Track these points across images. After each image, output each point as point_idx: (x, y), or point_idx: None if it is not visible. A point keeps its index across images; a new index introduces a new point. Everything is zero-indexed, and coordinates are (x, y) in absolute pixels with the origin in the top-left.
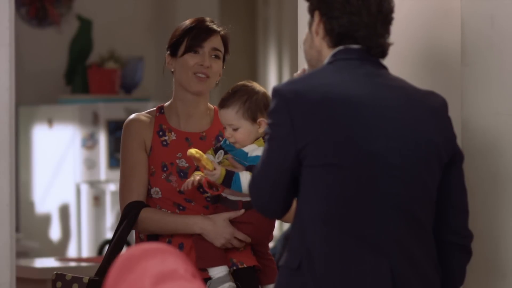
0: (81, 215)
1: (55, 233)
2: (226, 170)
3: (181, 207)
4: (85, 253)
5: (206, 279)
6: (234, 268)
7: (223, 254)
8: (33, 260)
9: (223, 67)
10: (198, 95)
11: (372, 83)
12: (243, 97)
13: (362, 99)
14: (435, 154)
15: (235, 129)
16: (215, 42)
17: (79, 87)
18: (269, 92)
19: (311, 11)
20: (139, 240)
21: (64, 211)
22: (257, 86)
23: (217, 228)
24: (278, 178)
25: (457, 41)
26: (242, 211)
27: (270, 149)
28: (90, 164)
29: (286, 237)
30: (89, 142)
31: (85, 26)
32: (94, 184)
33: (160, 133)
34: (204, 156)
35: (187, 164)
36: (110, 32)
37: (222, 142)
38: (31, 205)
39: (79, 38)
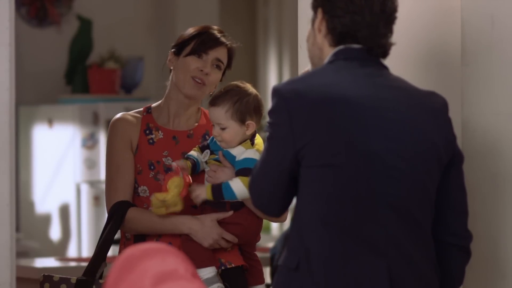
0: (81, 215)
1: (55, 233)
2: (212, 185)
3: None
4: (85, 253)
5: None
6: (223, 268)
7: (211, 255)
8: (33, 260)
9: (221, 80)
10: (190, 98)
11: (372, 84)
12: (234, 98)
13: (361, 100)
14: (434, 155)
15: (223, 129)
16: (220, 53)
17: (79, 87)
18: (268, 92)
19: (315, 8)
20: (124, 239)
21: (64, 211)
22: (249, 87)
23: (205, 228)
24: (277, 178)
25: (457, 40)
26: (231, 212)
27: (269, 148)
28: (90, 164)
29: (286, 236)
30: (89, 142)
31: (85, 26)
32: (94, 184)
33: (147, 131)
34: (169, 196)
35: (174, 163)
36: (110, 32)
37: (209, 141)
38: (31, 205)
39: (79, 38)
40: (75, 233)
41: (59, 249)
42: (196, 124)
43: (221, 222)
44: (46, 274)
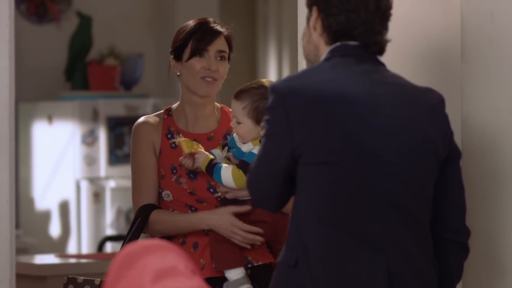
0: (81, 211)
1: (55, 229)
2: (211, 159)
3: (193, 208)
4: (85, 250)
5: (221, 278)
6: (250, 266)
7: (240, 256)
8: (33, 256)
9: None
10: (206, 97)
11: (369, 80)
12: (255, 97)
13: (358, 96)
14: (432, 151)
15: (238, 123)
16: (219, 44)
17: (79, 84)
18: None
19: (309, 6)
20: None
21: (64, 208)
22: None
23: (220, 222)
24: (273, 174)
25: (457, 37)
26: (248, 207)
27: (266, 145)
28: (90, 161)
29: None
30: (89, 139)
31: (85, 22)
32: (94, 180)
33: (169, 135)
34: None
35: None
36: (110, 28)
37: (229, 139)
38: (31, 201)
39: (79, 35)
40: (74, 229)
41: (58, 246)
42: (216, 125)
43: (247, 221)
44: (70, 276)
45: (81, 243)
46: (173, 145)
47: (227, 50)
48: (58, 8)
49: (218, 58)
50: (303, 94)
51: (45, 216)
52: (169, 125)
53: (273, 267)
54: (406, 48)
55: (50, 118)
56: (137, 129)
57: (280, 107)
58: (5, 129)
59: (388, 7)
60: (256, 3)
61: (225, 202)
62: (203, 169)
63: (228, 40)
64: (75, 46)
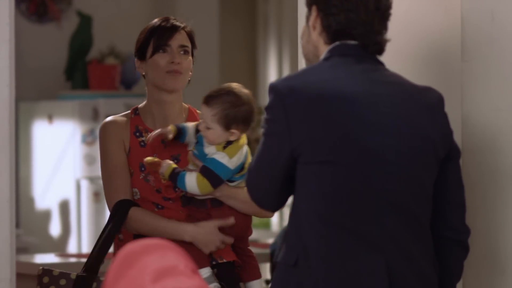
0: (81, 211)
1: (55, 229)
2: (174, 168)
3: (159, 206)
4: (85, 249)
5: None
6: (214, 263)
7: (206, 256)
8: (33, 256)
9: (193, 63)
10: (173, 92)
11: (368, 80)
12: (225, 104)
13: (357, 96)
14: (431, 150)
15: (207, 128)
16: (180, 39)
17: (79, 83)
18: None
19: (309, 5)
20: (118, 240)
21: (64, 207)
22: (245, 96)
23: (207, 236)
24: (272, 174)
25: (457, 37)
26: (232, 219)
27: (265, 144)
28: (90, 160)
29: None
30: (89, 138)
31: (85, 22)
32: (94, 180)
33: (137, 134)
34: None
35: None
36: (110, 28)
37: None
38: (31, 201)
39: (79, 34)
40: (75, 229)
41: (59, 245)
42: None
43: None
44: (45, 268)
45: (81, 243)
46: (142, 144)
47: (189, 45)
48: (58, 7)
49: (181, 52)
50: (303, 94)
51: (45, 216)
52: (137, 124)
53: (236, 265)
54: (406, 48)
55: (50, 118)
56: (106, 128)
57: (280, 106)
58: (5, 128)
59: (388, 7)
60: (256, 2)
61: (185, 200)
62: (167, 176)
63: (190, 35)
64: (75, 46)
